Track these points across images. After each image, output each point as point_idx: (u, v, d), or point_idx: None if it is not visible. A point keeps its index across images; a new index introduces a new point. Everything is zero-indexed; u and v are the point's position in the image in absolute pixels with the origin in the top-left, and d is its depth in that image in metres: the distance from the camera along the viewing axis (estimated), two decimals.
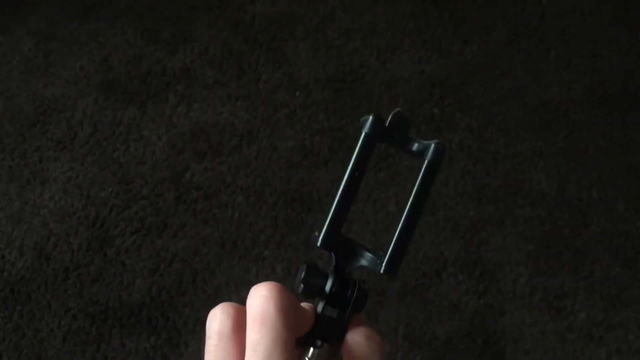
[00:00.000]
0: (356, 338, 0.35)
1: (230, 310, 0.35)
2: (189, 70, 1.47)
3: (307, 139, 1.37)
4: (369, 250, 0.39)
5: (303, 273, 0.37)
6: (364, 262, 0.39)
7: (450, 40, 1.52)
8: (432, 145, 0.39)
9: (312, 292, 0.37)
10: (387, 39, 1.52)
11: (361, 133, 0.38)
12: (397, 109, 0.39)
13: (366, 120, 0.39)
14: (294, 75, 1.46)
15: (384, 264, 0.38)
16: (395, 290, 1.19)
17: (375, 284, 1.20)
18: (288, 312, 0.33)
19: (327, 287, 0.37)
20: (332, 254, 0.38)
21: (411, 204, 0.39)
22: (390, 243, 0.38)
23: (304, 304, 0.36)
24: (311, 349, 0.36)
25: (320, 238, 0.37)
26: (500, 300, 1.20)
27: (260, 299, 0.33)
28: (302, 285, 0.37)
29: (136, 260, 1.22)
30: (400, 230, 0.39)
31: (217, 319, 0.34)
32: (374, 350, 0.35)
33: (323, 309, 0.36)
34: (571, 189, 1.31)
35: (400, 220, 0.39)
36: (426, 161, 0.39)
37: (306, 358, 0.36)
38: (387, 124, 0.39)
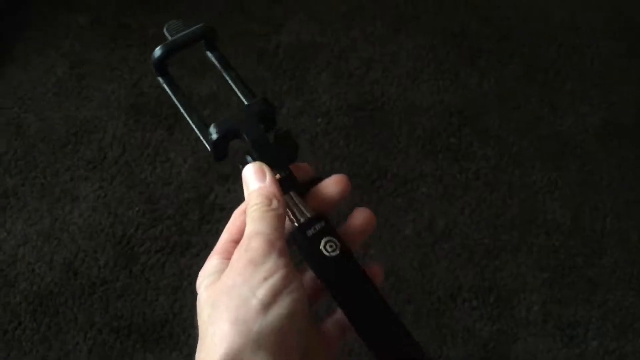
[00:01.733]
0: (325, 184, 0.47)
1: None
2: (216, 96, 1.52)
3: (327, 165, 1.41)
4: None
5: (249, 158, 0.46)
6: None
7: (469, 71, 1.56)
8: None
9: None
10: (408, 68, 1.57)
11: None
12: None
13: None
14: (316, 102, 1.51)
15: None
16: (410, 312, 1.22)
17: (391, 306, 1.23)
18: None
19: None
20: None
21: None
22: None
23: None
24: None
25: (213, 154, 0.46)
26: (513, 326, 1.22)
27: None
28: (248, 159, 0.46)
29: (160, 277, 1.26)
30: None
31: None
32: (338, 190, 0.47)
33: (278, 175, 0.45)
34: (585, 219, 1.33)
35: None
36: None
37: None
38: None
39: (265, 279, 0.38)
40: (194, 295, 1.31)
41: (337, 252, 0.42)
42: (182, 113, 0.48)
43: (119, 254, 1.29)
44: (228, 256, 0.42)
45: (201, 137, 0.47)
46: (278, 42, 1.62)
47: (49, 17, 1.70)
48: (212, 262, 0.43)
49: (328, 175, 0.48)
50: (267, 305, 0.37)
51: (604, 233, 1.31)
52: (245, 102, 0.48)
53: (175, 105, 0.49)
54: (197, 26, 0.49)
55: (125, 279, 1.26)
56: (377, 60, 1.58)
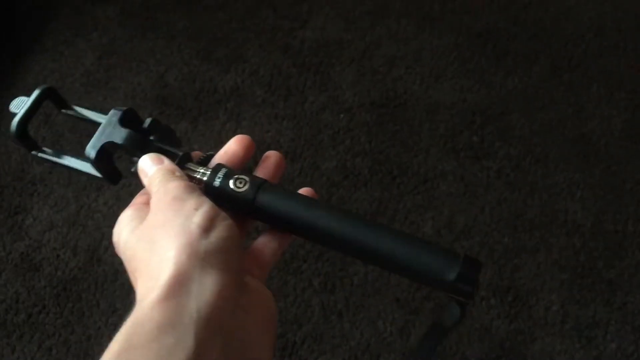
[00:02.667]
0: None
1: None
2: (239, 90, 1.54)
3: (348, 160, 1.42)
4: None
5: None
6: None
7: (493, 70, 1.56)
8: None
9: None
10: (431, 67, 1.57)
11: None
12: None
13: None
14: (339, 98, 1.52)
15: None
16: (428, 309, 1.22)
17: (409, 303, 1.23)
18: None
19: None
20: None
21: None
22: None
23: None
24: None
25: (105, 176, 0.49)
26: (531, 326, 1.22)
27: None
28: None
29: None
30: None
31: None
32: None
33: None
34: (607, 220, 1.32)
35: None
36: None
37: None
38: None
39: (196, 209, 0.40)
40: None
41: (248, 185, 0.44)
42: (69, 167, 0.51)
43: None
44: (141, 207, 0.44)
45: (91, 172, 0.49)
46: (303, 38, 1.63)
47: (78, 9, 1.73)
48: (127, 213, 0.44)
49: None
50: (207, 229, 0.39)
51: (625, 235, 1.30)
52: (101, 121, 0.49)
53: (61, 166, 0.51)
54: (37, 92, 0.51)
55: None
56: (401, 57, 1.59)
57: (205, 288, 0.36)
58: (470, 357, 1.19)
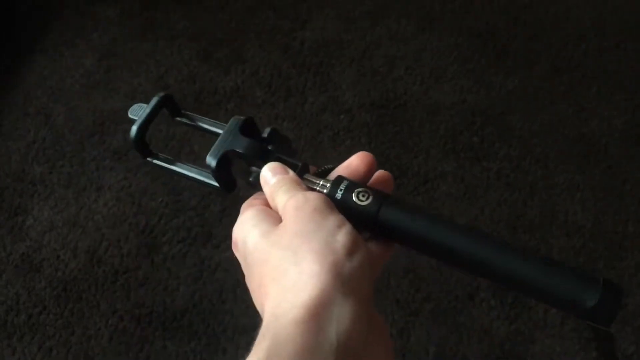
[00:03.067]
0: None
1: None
2: (239, 90, 1.54)
3: None
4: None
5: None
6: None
7: (493, 71, 1.56)
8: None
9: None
10: (431, 67, 1.57)
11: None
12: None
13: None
14: (339, 99, 1.52)
15: None
16: (428, 310, 1.22)
17: (409, 304, 1.23)
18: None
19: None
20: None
21: None
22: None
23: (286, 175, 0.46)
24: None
25: (222, 185, 0.48)
26: (531, 327, 1.22)
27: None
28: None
29: (181, 267, 1.28)
30: None
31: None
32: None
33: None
34: (607, 221, 1.32)
35: None
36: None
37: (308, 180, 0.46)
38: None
39: (339, 227, 0.38)
40: (214, 285, 1.32)
41: (371, 198, 0.42)
42: (183, 174, 0.51)
43: (142, 244, 1.31)
44: (265, 209, 0.43)
45: (206, 180, 0.49)
46: (303, 39, 1.63)
47: (79, 10, 1.73)
48: (250, 212, 0.42)
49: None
50: (351, 251, 0.37)
51: (625, 236, 1.30)
52: (221, 131, 0.49)
53: (176, 173, 0.51)
54: (155, 99, 0.51)
55: (147, 268, 1.29)
56: (401, 58, 1.59)
57: (345, 315, 0.35)
58: (470, 358, 1.19)
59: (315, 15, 1.68)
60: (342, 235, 0.38)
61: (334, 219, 0.39)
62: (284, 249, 0.38)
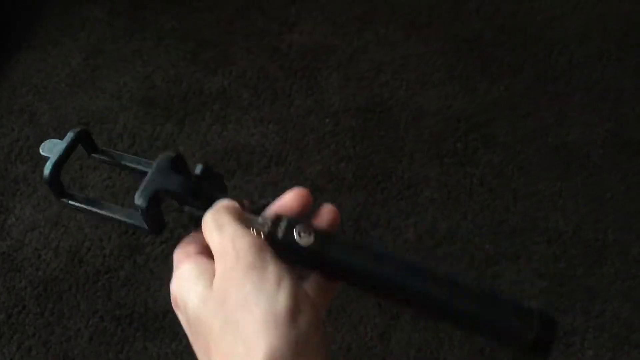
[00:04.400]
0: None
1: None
2: (226, 92, 1.54)
3: (333, 165, 1.42)
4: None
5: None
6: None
7: (479, 78, 1.57)
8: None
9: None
10: (417, 73, 1.58)
11: None
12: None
13: None
14: (325, 102, 1.53)
15: None
16: (409, 314, 1.23)
17: (390, 308, 1.24)
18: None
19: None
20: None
21: None
22: None
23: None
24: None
25: (150, 226, 0.45)
26: None
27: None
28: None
29: (163, 268, 1.28)
30: None
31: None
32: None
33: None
34: (588, 229, 1.34)
35: None
36: None
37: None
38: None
39: (278, 284, 0.37)
40: None
41: (313, 236, 0.41)
42: (105, 216, 0.47)
43: (124, 244, 1.31)
44: (202, 262, 0.41)
45: (132, 222, 0.46)
46: (291, 42, 1.64)
47: (66, 9, 1.72)
48: (187, 267, 0.41)
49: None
50: (294, 312, 0.37)
51: (605, 244, 1.32)
52: (148, 170, 0.46)
53: (96, 215, 0.48)
54: (70, 135, 0.48)
55: (130, 268, 1.28)
56: (388, 63, 1.59)
57: None
58: None
59: (303, 19, 1.69)
60: (283, 297, 0.37)
61: (271, 275, 0.38)
62: (224, 321, 0.37)
